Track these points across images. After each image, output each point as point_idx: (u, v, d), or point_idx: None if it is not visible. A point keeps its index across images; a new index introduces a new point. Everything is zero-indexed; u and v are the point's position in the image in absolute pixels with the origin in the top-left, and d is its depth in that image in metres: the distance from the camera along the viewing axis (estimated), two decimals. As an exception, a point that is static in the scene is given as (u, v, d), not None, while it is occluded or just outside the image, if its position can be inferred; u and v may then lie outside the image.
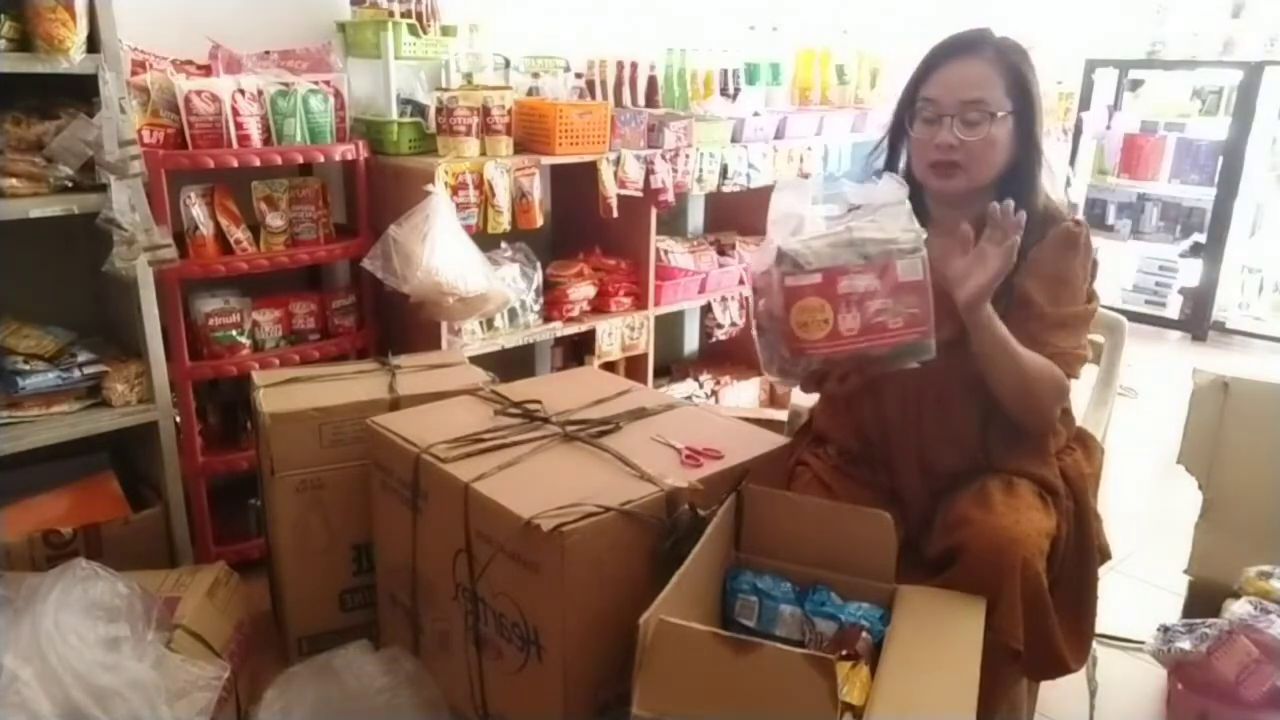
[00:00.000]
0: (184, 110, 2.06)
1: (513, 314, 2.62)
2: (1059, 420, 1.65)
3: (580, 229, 2.90)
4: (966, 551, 1.40)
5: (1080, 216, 1.53)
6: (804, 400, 1.95)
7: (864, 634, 1.31)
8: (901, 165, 1.63)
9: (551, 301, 2.72)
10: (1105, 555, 1.59)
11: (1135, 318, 3.92)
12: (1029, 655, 1.39)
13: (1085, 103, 5.08)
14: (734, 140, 3.00)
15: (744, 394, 3.37)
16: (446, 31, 2.54)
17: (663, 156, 2.76)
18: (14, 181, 1.86)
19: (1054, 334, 1.49)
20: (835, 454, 1.68)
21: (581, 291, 2.77)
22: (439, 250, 2.20)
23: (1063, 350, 1.48)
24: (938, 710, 1.17)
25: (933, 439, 1.58)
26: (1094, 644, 1.61)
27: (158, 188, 2.02)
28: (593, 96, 2.90)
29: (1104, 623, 1.62)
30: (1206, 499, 2.10)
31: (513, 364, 2.75)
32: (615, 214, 2.68)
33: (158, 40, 2.19)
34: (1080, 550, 1.53)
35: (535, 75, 2.79)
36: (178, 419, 2.17)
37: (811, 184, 1.45)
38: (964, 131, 1.48)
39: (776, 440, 1.72)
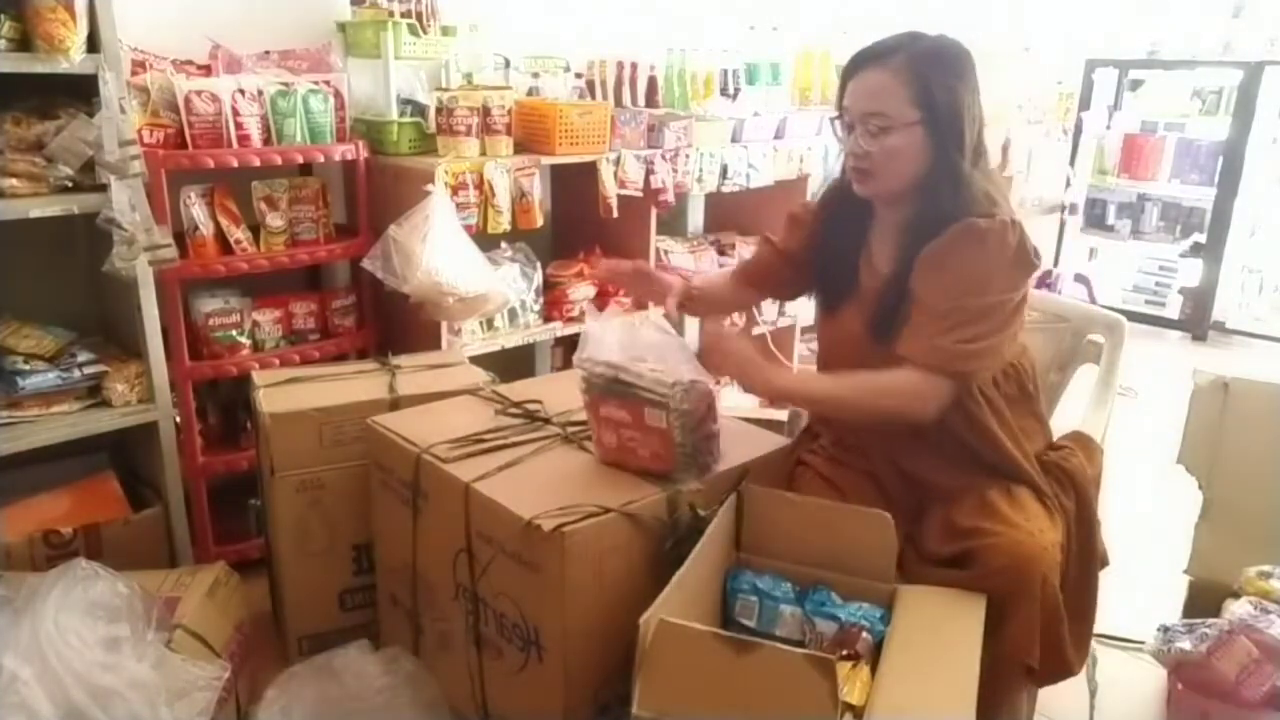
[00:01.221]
0: (184, 110, 2.06)
1: (513, 314, 2.62)
2: (1033, 415, 1.65)
3: (580, 229, 2.90)
4: (982, 563, 1.40)
5: (1013, 217, 1.48)
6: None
7: (864, 634, 1.32)
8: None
9: (551, 301, 2.72)
10: (1103, 562, 1.59)
11: (1135, 318, 3.92)
12: (1040, 664, 1.40)
13: (1085, 103, 5.08)
14: (734, 140, 3.00)
15: (744, 394, 3.37)
16: (446, 31, 2.54)
17: (663, 156, 2.76)
18: (14, 181, 1.86)
19: (927, 325, 1.47)
20: (830, 444, 1.69)
21: (581, 291, 2.77)
22: (439, 250, 2.19)
23: (934, 346, 1.45)
24: (938, 710, 1.17)
25: (894, 431, 1.58)
26: (1094, 644, 1.61)
27: (158, 188, 2.02)
28: (593, 96, 2.90)
29: (1104, 623, 1.62)
30: (1206, 499, 2.10)
31: (513, 364, 2.75)
32: (615, 214, 2.67)
33: (158, 40, 2.19)
34: (1084, 555, 1.54)
35: (535, 75, 2.79)
36: (178, 419, 2.17)
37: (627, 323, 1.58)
38: (867, 142, 1.50)
39: (776, 440, 1.72)
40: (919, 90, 1.46)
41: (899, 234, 1.57)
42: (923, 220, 1.51)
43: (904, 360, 1.48)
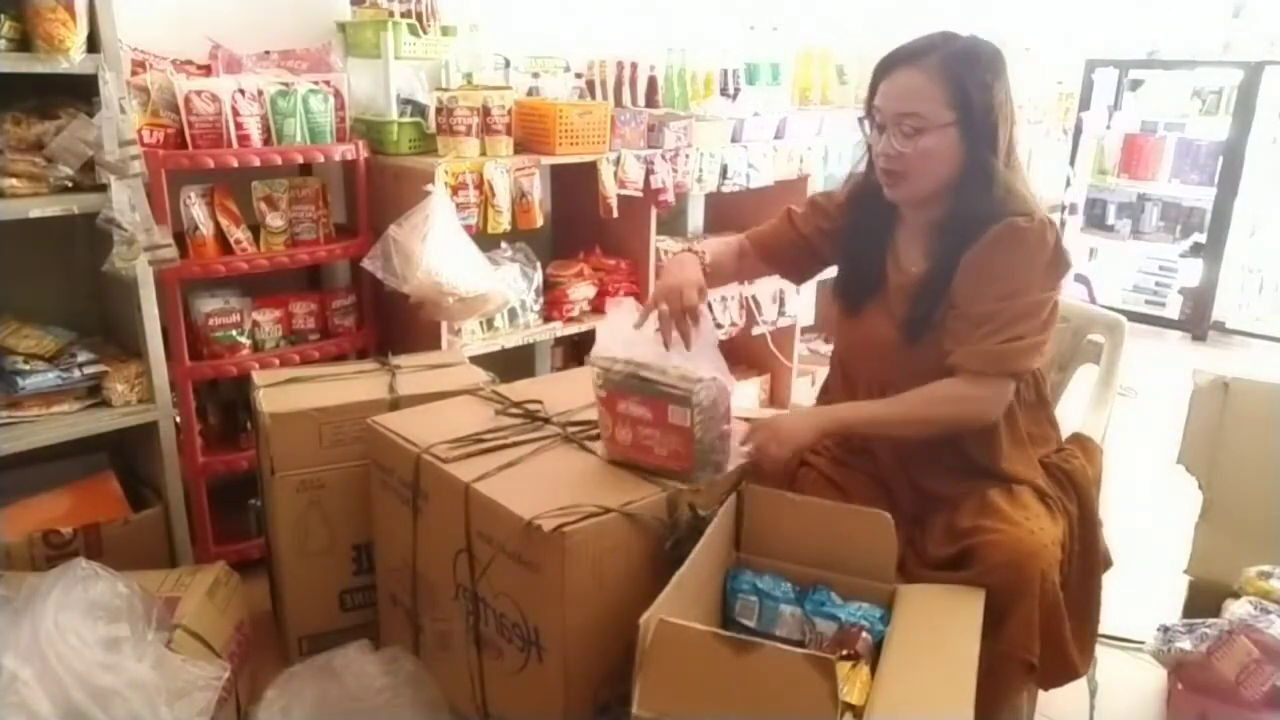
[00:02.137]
0: (184, 110, 2.06)
1: (513, 314, 2.62)
2: (1047, 421, 1.65)
3: (580, 229, 2.90)
4: (981, 561, 1.40)
5: (1048, 216, 1.50)
6: (804, 400, 1.96)
7: (864, 634, 1.32)
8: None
9: (551, 301, 2.72)
10: (1106, 563, 1.59)
11: (1135, 318, 3.91)
12: (1043, 665, 1.40)
13: (1085, 103, 5.08)
14: (734, 140, 3.00)
15: (744, 394, 3.37)
16: (446, 31, 2.54)
17: (663, 156, 2.76)
18: (14, 181, 1.86)
19: (971, 331, 1.48)
20: (834, 445, 1.69)
21: (581, 291, 2.77)
22: (439, 250, 2.19)
23: (978, 350, 1.46)
24: (937, 710, 1.17)
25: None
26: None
27: (158, 188, 2.02)
28: (593, 96, 2.90)
29: (1104, 623, 1.62)
30: (1206, 499, 2.10)
31: (513, 364, 2.75)
32: (615, 214, 2.68)
33: (158, 40, 2.19)
34: (1086, 556, 1.54)
35: (535, 75, 2.79)
36: (178, 419, 2.17)
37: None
38: (901, 143, 1.49)
39: (777, 440, 1.71)
40: (954, 91, 1.46)
41: (930, 234, 1.56)
42: (955, 220, 1.52)
43: (953, 368, 1.49)
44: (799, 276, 1.88)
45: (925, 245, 1.57)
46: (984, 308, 1.47)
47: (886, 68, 1.52)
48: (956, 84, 1.46)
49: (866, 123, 1.57)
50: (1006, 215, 1.47)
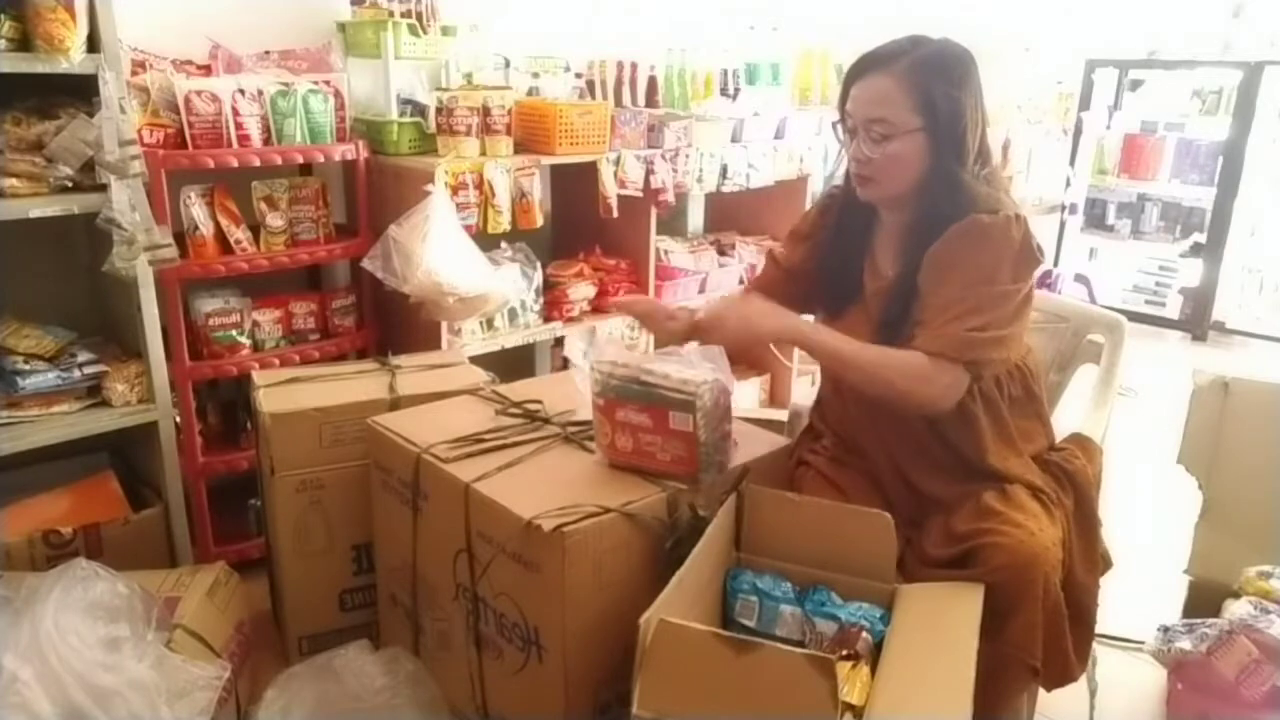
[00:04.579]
0: (184, 110, 2.06)
1: (513, 314, 2.62)
2: (1036, 417, 1.65)
3: (580, 229, 2.90)
4: (984, 563, 1.40)
5: (1017, 213, 1.49)
6: (804, 400, 1.96)
7: (864, 634, 1.32)
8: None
9: (551, 301, 2.72)
10: (1106, 564, 1.59)
11: (1135, 318, 3.92)
12: (1044, 667, 1.40)
13: (1085, 103, 5.08)
14: (734, 140, 3.00)
15: (744, 394, 3.37)
16: (446, 31, 2.54)
17: (663, 156, 2.76)
18: (14, 181, 1.86)
19: (935, 316, 1.47)
20: (832, 445, 1.69)
21: (581, 291, 2.77)
22: (439, 250, 2.19)
23: (940, 334, 1.45)
24: (937, 710, 1.17)
25: (893, 436, 1.59)
26: (1094, 644, 1.61)
27: (158, 188, 2.02)
28: (593, 96, 2.90)
29: (1104, 623, 1.62)
30: (1206, 499, 2.10)
31: (513, 364, 2.75)
32: (615, 214, 2.68)
33: (158, 40, 2.19)
34: (1085, 557, 1.54)
35: (535, 75, 2.80)
36: (178, 419, 2.17)
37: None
38: (870, 148, 1.50)
39: (776, 440, 1.72)
40: (920, 97, 1.46)
41: (901, 236, 1.57)
42: (923, 223, 1.52)
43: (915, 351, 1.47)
44: (802, 307, 1.82)
45: (898, 248, 1.58)
46: (948, 294, 1.46)
47: (856, 73, 1.53)
48: (923, 90, 1.46)
49: (839, 126, 1.58)
50: (971, 215, 1.48)
